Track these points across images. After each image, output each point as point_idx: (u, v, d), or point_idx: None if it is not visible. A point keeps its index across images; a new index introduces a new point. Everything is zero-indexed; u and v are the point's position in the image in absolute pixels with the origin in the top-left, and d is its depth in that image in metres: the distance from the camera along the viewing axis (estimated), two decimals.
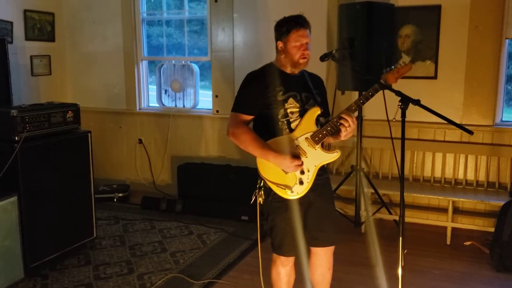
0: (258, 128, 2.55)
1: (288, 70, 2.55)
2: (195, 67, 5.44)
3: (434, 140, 4.52)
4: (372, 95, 2.36)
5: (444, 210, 4.39)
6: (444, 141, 4.49)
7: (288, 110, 2.48)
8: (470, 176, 4.44)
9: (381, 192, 4.37)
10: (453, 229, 4.24)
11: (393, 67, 2.34)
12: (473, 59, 4.28)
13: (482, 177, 4.40)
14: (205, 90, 5.91)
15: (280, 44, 2.51)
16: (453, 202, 4.21)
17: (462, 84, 4.35)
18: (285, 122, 2.48)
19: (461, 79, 4.35)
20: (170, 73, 5.53)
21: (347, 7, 3.98)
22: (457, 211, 4.45)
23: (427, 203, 4.60)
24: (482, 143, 4.33)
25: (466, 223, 4.34)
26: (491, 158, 4.35)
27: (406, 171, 4.59)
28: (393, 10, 4.14)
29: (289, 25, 2.47)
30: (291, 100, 2.48)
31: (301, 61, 2.48)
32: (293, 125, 2.49)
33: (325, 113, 2.60)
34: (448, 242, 4.19)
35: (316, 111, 2.48)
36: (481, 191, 4.33)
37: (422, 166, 4.58)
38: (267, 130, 2.49)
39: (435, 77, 4.41)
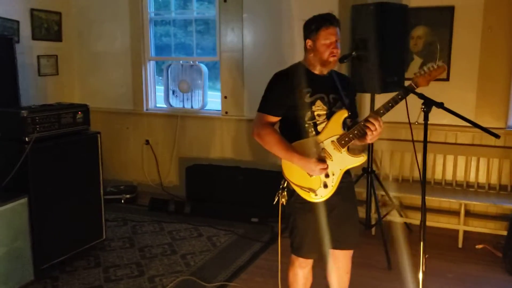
0: (284, 129, 2.51)
1: (317, 70, 2.50)
2: (204, 68, 5.41)
3: (445, 143, 4.48)
4: (401, 99, 2.32)
5: (455, 213, 4.36)
6: (455, 144, 4.45)
7: (315, 113, 2.44)
8: (482, 179, 4.40)
9: (391, 194, 4.33)
10: (465, 232, 4.21)
11: (426, 69, 2.30)
12: (486, 61, 4.24)
13: (494, 180, 4.36)
14: (211, 90, 5.87)
15: (309, 42, 2.46)
16: (465, 205, 4.17)
17: (474, 86, 4.32)
18: (312, 124, 2.44)
19: (474, 81, 4.31)
20: (177, 73, 5.49)
21: (361, 8, 3.93)
22: (468, 214, 4.41)
23: (438, 205, 4.57)
24: (495, 146, 4.29)
25: (477, 226, 4.30)
26: (504, 161, 4.31)
27: (417, 174, 4.55)
28: (406, 11, 4.10)
29: (319, 23, 2.42)
30: (318, 102, 2.44)
31: (331, 59, 2.43)
32: (319, 128, 2.45)
33: (353, 115, 2.55)
34: (460, 245, 4.16)
35: (343, 114, 2.45)
36: (493, 194, 4.29)
37: (433, 168, 4.55)
38: (293, 132, 2.45)
39: (447, 79, 4.37)
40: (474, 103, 4.33)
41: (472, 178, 4.44)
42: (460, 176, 4.47)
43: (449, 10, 4.26)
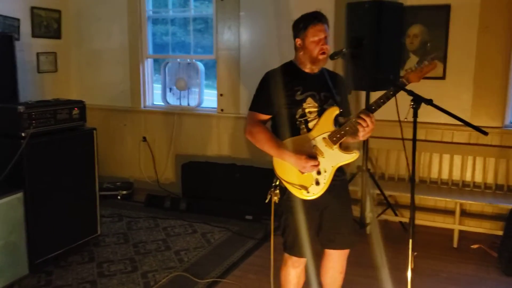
0: (276, 127, 2.52)
1: (308, 68, 2.51)
2: (200, 66, 5.42)
3: (441, 142, 4.48)
4: (393, 95, 2.32)
5: (451, 213, 4.35)
6: (451, 143, 4.44)
7: (306, 110, 2.44)
8: (478, 178, 4.39)
9: (386, 193, 4.33)
10: (460, 231, 4.19)
11: (416, 66, 2.31)
12: (482, 60, 4.24)
13: (490, 179, 4.35)
14: (208, 88, 5.89)
15: (298, 41, 2.48)
16: (461, 204, 4.16)
17: (470, 84, 4.31)
18: (303, 121, 2.44)
19: (470, 80, 4.30)
20: (175, 71, 5.50)
21: (356, 5, 3.94)
22: (464, 213, 4.41)
23: (434, 205, 4.56)
24: (491, 145, 4.28)
25: (473, 226, 4.30)
26: (500, 160, 4.30)
27: (415, 172, 4.54)
28: (402, 9, 4.10)
29: (306, 21, 2.44)
30: (309, 99, 2.44)
31: (320, 56, 2.44)
32: (310, 125, 2.44)
33: (345, 113, 2.55)
34: (455, 245, 4.15)
35: (334, 111, 2.45)
36: (489, 193, 4.28)
37: (429, 167, 4.54)
38: (285, 129, 2.45)
39: (443, 77, 4.36)
40: (470, 101, 4.32)
41: (468, 178, 4.43)
42: (456, 175, 4.47)
43: (445, 9, 4.25)
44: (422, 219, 4.47)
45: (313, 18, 2.43)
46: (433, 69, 2.35)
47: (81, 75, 5.91)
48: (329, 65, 4.00)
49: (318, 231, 2.58)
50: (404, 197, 4.59)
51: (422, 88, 4.20)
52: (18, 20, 5.06)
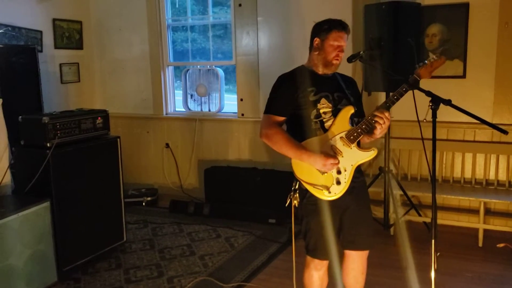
0: (291, 129, 2.54)
1: (320, 70, 2.54)
2: (220, 72, 5.48)
3: (463, 140, 4.44)
4: (406, 91, 2.33)
5: (475, 212, 4.30)
6: (474, 141, 4.40)
7: (321, 111, 2.46)
8: (502, 176, 4.33)
9: (410, 193, 4.30)
10: (485, 230, 4.14)
11: (426, 61, 2.32)
12: (503, 57, 4.18)
13: None
14: (228, 93, 5.94)
15: (317, 40, 2.51)
16: (485, 203, 4.11)
17: (492, 82, 4.26)
18: (318, 122, 2.46)
19: (491, 78, 4.26)
20: (195, 77, 5.57)
21: (373, 7, 3.95)
22: (488, 212, 4.36)
23: (458, 204, 4.52)
24: None
25: (498, 225, 4.25)
26: None
27: (435, 172, 4.50)
28: (419, 9, 4.09)
29: (332, 24, 2.47)
30: (323, 100, 2.47)
31: (334, 61, 2.48)
32: (326, 125, 2.46)
33: (359, 113, 2.57)
34: (480, 244, 4.10)
35: (349, 110, 2.46)
36: None
37: (452, 166, 4.50)
38: (300, 131, 2.47)
39: (463, 76, 4.33)
40: (492, 99, 4.27)
41: (491, 176, 4.37)
42: (479, 174, 4.41)
43: (464, 7, 4.21)
44: (446, 219, 4.43)
45: (339, 25, 2.47)
46: (442, 64, 2.35)
47: (103, 85, 6.03)
48: (348, 68, 4.01)
49: (339, 233, 2.59)
50: (427, 197, 4.55)
51: (442, 87, 4.21)
52: (40, 32, 5.19)
